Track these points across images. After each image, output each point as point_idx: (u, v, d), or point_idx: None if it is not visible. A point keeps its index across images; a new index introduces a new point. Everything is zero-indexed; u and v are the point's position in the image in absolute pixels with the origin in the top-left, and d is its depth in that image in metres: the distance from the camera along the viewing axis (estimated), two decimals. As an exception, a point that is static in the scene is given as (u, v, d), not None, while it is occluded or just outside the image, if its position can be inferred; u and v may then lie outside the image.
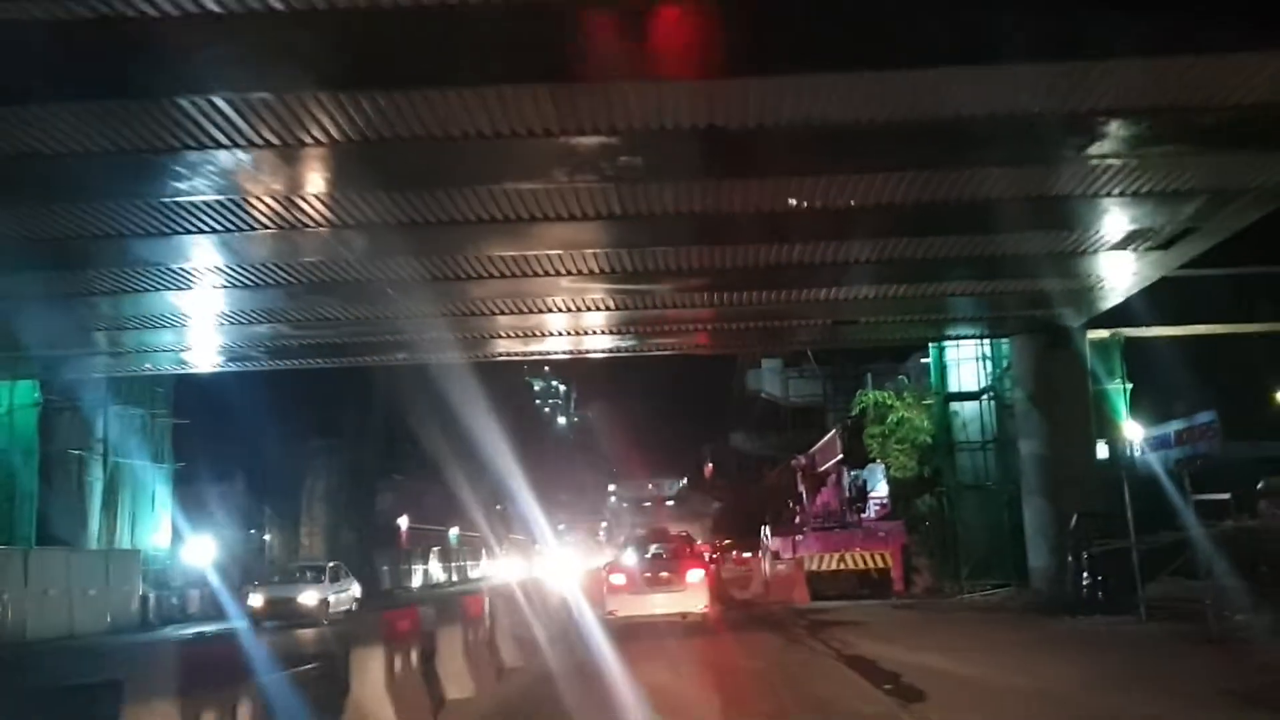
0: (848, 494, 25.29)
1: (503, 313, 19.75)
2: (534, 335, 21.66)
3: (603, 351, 24.05)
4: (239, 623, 26.23)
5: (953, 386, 25.58)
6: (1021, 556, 23.32)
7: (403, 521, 53.07)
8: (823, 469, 27.70)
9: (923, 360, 26.31)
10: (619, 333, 21.87)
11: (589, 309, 19.71)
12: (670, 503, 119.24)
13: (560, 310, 19.72)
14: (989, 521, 24.59)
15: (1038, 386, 22.86)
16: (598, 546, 69.11)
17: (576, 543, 74.33)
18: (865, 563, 25.03)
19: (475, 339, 21.73)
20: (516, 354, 23.07)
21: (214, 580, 33.64)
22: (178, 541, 33.02)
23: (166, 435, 32.55)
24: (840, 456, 24.33)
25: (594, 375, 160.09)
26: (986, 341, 25.43)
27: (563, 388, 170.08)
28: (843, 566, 25.09)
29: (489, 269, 17.03)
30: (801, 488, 29.23)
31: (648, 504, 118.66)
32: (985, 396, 25.08)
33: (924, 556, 26.14)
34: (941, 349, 25.40)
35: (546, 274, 17.36)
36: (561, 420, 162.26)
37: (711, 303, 19.85)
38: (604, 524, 76.76)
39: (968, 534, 24.75)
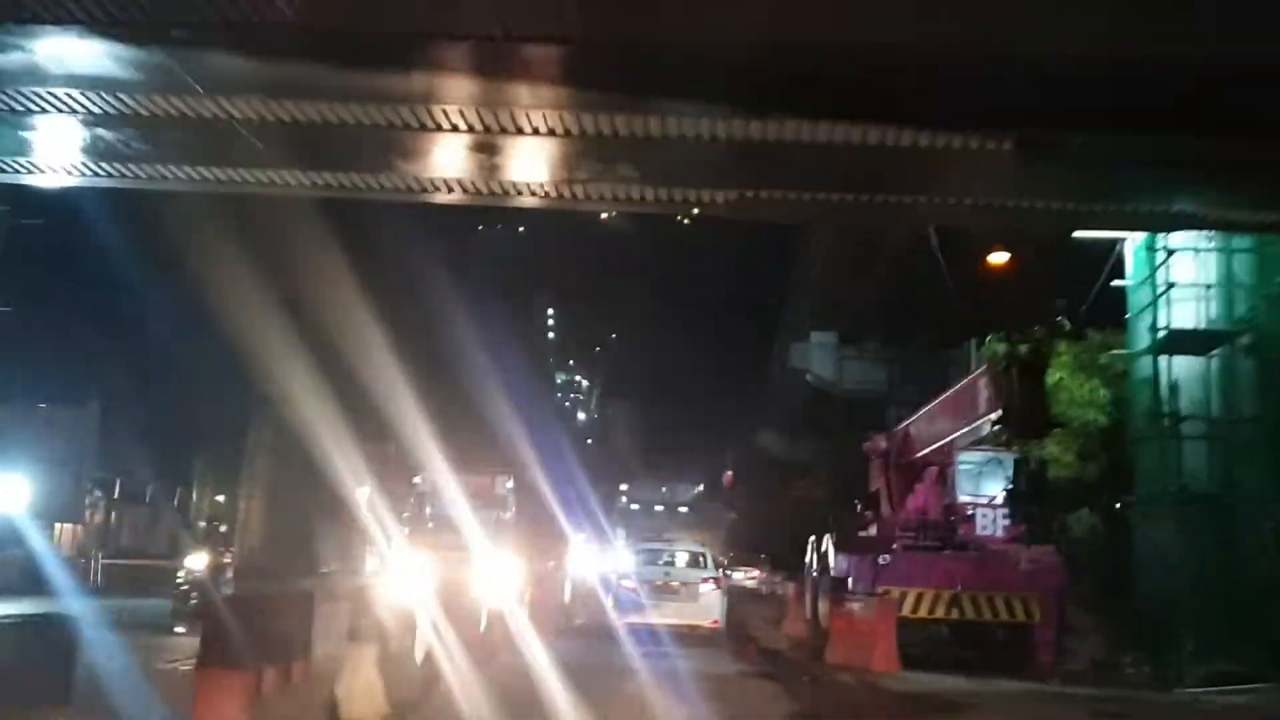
0: (1007, 488, 14.10)
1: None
2: (410, 121, 10.13)
3: (553, 196, 11.96)
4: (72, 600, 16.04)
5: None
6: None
7: (364, 490, 42.19)
8: (923, 452, 16.46)
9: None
10: (593, 129, 10.56)
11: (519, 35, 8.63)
12: (684, 509, 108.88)
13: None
14: (1229, 561, 13.44)
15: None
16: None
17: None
18: (996, 611, 13.96)
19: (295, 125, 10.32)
20: (386, 188, 11.67)
21: (40, 540, 23.22)
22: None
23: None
24: (989, 417, 12.98)
25: (619, 372, 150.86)
26: (1215, 258, 14.38)
27: (585, 383, 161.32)
28: (957, 614, 14.02)
29: None
30: (880, 482, 17.91)
31: (660, 508, 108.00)
32: (1234, 342, 13.93)
33: (1082, 610, 15.05)
34: (1158, 255, 14.18)
35: None
36: (581, 416, 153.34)
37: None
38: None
39: (1180, 581, 13.63)
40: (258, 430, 41.15)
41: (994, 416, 12.38)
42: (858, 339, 36.47)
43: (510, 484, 18.76)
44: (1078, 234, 14.28)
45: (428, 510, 18.64)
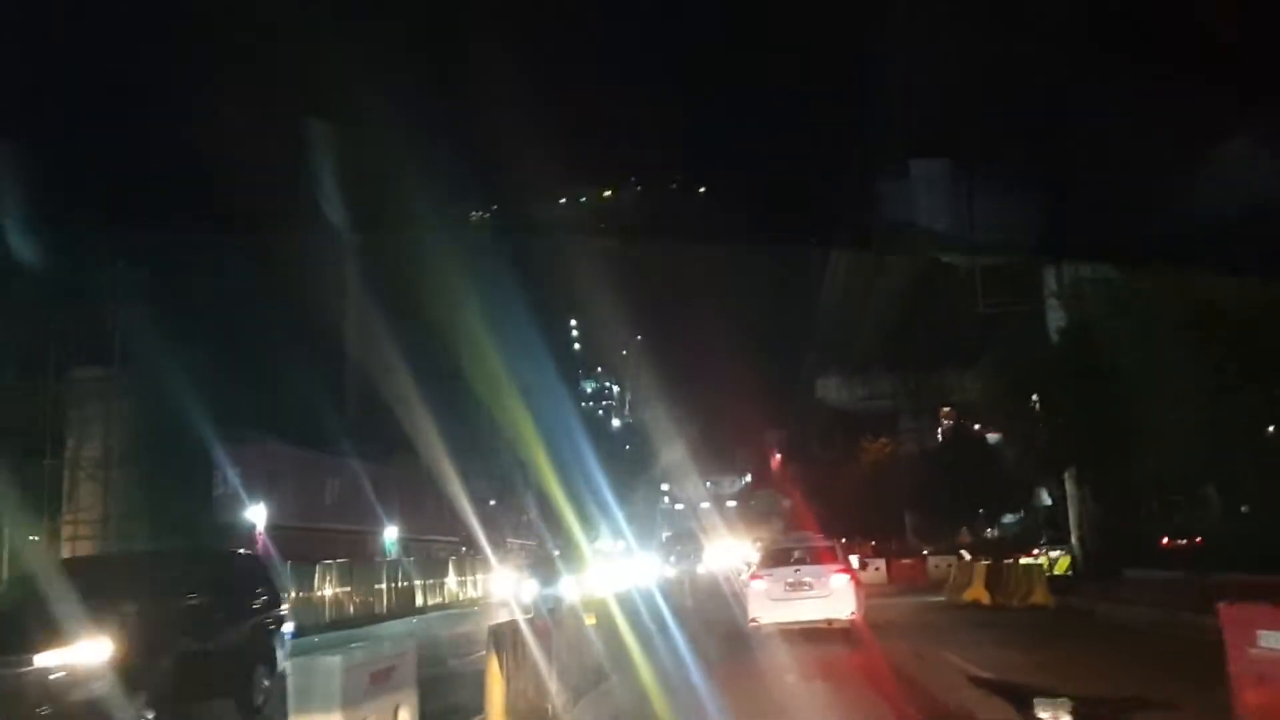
0: None
1: None
2: None
3: None
4: None
5: None
6: None
7: (257, 515, 26.53)
8: None
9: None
10: None
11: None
12: (731, 503, 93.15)
13: None
14: None
15: None
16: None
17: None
18: None
19: None
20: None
21: None
22: None
23: None
24: None
25: (649, 376, 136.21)
26: None
27: (616, 389, 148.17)
28: None
29: None
30: None
31: (705, 505, 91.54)
32: None
33: None
34: None
35: None
36: (615, 422, 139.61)
37: None
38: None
39: None
40: (84, 426, 26.15)
41: None
42: (997, 153, 20.44)
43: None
44: None
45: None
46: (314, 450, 32.01)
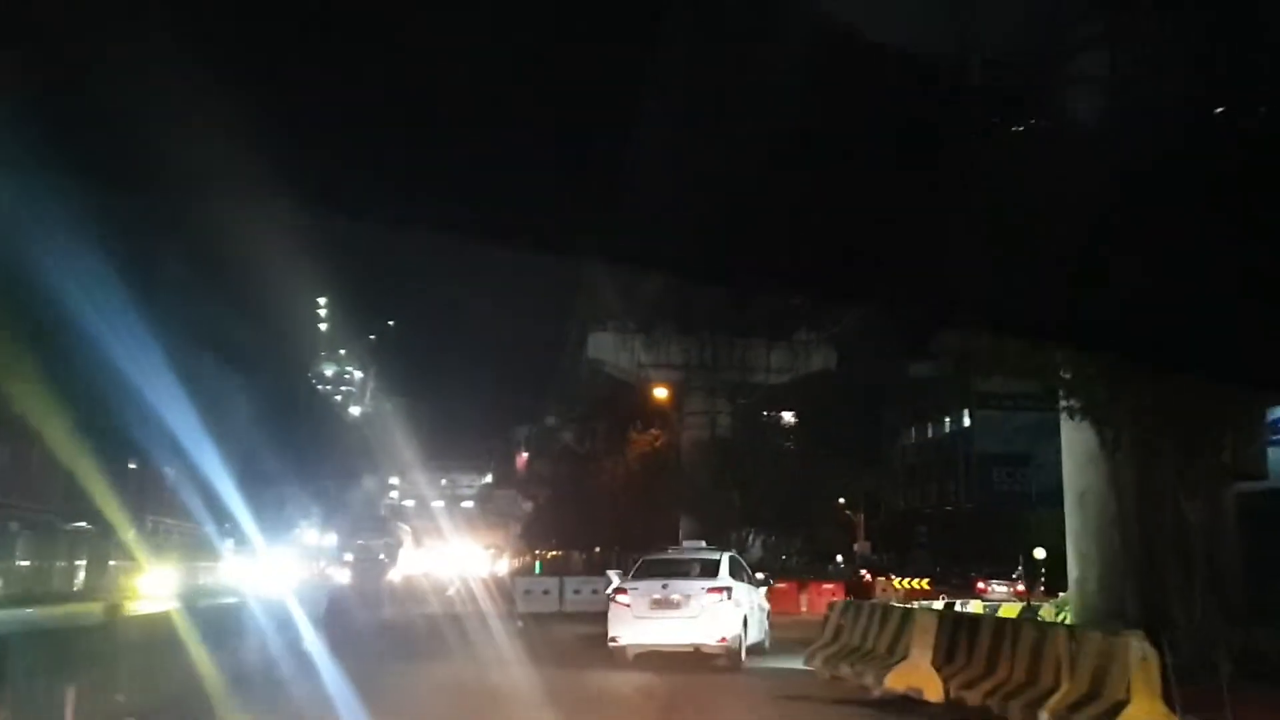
0: None
1: None
2: None
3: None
4: None
5: None
6: None
7: None
8: None
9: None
10: None
11: None
12: (468, 504, 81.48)
13: None
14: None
15: None
16: None
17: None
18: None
19: None
20: None
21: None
22: None
23: None
24: None
25: (397, 364, 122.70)
26: None
27: (359, 374, 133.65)
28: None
29: None
30: None
31: (439, 504, 79.34)
32: None
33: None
34: None
35: None
36: (355, 410, 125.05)
37: None
38: None
39: None
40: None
41: None
42: None
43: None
44: None
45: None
46: None
